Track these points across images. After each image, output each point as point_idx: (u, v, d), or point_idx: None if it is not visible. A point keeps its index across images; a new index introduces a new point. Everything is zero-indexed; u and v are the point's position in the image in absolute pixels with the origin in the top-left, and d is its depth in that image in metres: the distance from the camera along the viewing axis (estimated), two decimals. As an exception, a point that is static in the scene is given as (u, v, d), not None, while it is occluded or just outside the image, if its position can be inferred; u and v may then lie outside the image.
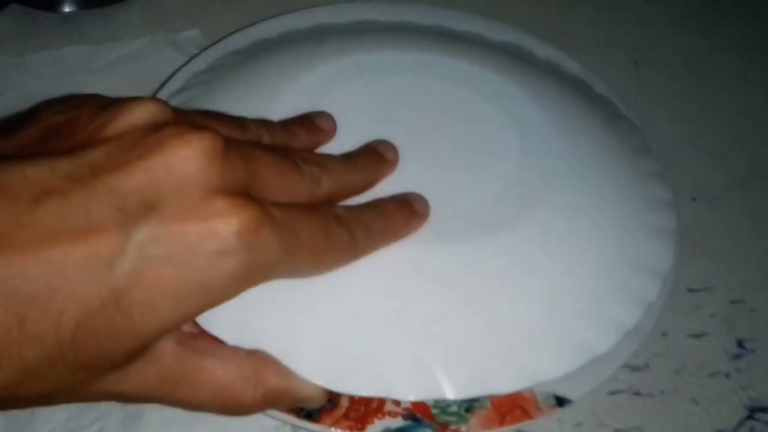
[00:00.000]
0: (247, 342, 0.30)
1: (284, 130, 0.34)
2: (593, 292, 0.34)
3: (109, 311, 0.24)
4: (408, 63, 0.41)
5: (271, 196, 0.28)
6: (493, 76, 0.41)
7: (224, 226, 0.25)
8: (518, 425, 0.33)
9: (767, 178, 0.47)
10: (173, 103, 0.42)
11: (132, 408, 0.36)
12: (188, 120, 0.28)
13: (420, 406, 0.33)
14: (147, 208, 0.25)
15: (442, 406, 0.33)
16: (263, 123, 0.34)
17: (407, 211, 0.33)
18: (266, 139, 0.32)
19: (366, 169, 0.34)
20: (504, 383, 0.31)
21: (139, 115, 0.27)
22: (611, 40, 0.54)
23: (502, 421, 0.33)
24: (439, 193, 0.35)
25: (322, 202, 0.31)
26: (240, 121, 0.32)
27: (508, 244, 0.34)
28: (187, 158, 0.25)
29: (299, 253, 0.28)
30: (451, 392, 0.31)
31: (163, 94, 0.43)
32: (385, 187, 0.35)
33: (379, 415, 0.33)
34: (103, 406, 0.36)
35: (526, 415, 0.33)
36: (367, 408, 0.33)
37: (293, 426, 0.34)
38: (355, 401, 0.33)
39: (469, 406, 0.33)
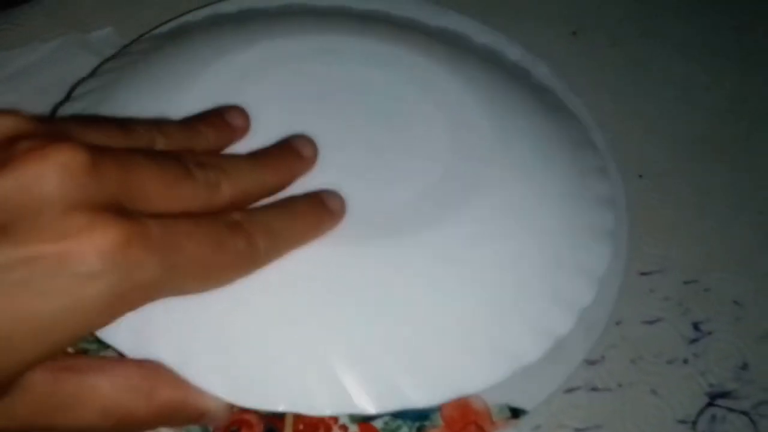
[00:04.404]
0: (144, 351, 0.28)
1: (186, 130, 0.32)
2: (522, 296, 0.32)
3: None
4: (332, 48, 0.39)
5: (155, 208, 0.26)
6: (423, 60, 0.39)
7: (86, 245, 0.23)
8: (473, 441, 0.32)
9: (715, 150, 0.46)
10: (78, 92, 0.40)
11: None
12: (50, 132, 0.25)
13: (369, 429, 0.32)
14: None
15: (392, 428, 0.32)
16: (159, 125, 0.31)
17: (319, 210, 0.31)
18: (161, 143, 0.30)
19: (277, 169, 0.32)
20: (422, 396, 0.29)
21: None
22: (547, 11, 0.52)
23: (455, 440, 0.31)
24: (360, 191, 0.32)
25: (224, 209, 0.28)
26: (127, 126, 0.29)
27: (428, 245, 0.32)
28: (42, 174, 0.23)
29: (186, 268, 0.26)
30: (364, 406, 0.29)
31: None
32: (302, 187, 0.32)
33: (327, 441, 0.31)
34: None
35: (481, 431, 0.32)
36: (314, 436, 0.31)
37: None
38: (296, 424, 0.32)
39: (421, 425, 0.32)
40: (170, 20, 0.45)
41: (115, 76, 0.41)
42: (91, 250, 0.23)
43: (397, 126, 0.36)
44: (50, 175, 0.23)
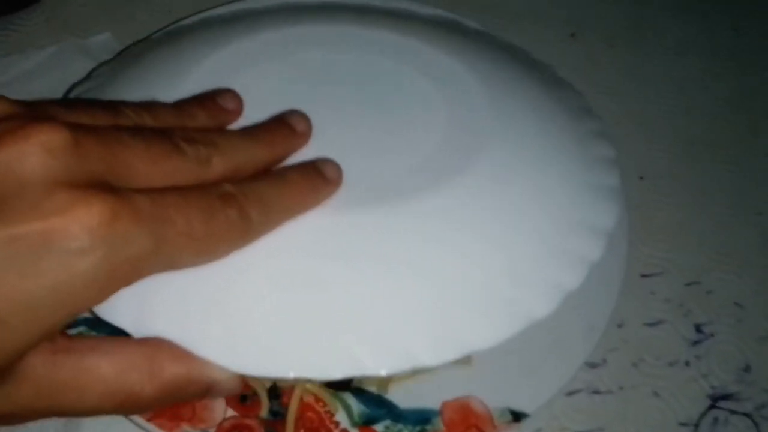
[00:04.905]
0: (148, 328, 0.27)
1: (177, 112, 0.31)
2: (530, 253, 0.31)
3: None
4: (324, 37, 0.39)
5: (143, 185, 0.26)
6: (415, 42, 0.38)
7: (72, 221, 0.23)
8: (475, 445, 0.31)
9: (715, 151, 0.46)
10: (74, 93, 0.40)
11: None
12: (32, 113, 0.25)
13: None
14: None
15: (393, 431, 0.32)
16: (147, 107, 0.30)
17: (314, 179, 0.30)
18: (150, 123, 0.29)
19: (270, 144, 0.31)
20: (433, 356, 0.28)
21: None
22: (546, 13, 0.53)
23: (457, 443, 0.31)
24: (359, 161, 0.32)
25: (216, 184, 0.28)
26: (114, 108, 0.29)
27: (432, 206, 0.31)
28: (25, 153, 0.23)
29: (177, 241, 0.25)
30: (373, 367, 0.28)
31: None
32: (297, 162, 0.32)
33: (327, 442, 0.31)
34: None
35: (482, 434, 0.31)
36: (313, 435, 0.31)
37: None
38: (297, 428, 0.32)
39: (422, 429, 0.32)
40: (168, 25, 0.45)
41: (110, 76, 0.40)
42: (76, 226, 0.23)
43: (393, 103, 0.35)
44: (31, 154, 0.23)
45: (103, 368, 0.26)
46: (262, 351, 0.28)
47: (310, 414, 0.32)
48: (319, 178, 0.30)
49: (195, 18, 0.46)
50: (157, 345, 0.27)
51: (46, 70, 0.47)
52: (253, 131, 0.31)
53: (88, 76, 0.43)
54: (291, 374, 0.27)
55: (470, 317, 0.29)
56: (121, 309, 0.27)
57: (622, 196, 0.38)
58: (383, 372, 0.28)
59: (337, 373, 0.28)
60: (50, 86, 0.45)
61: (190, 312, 0.28)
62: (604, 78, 0.49)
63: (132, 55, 0.43)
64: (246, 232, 0.28)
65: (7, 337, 0.23)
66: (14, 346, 0.23)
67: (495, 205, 0.32)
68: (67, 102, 0.29)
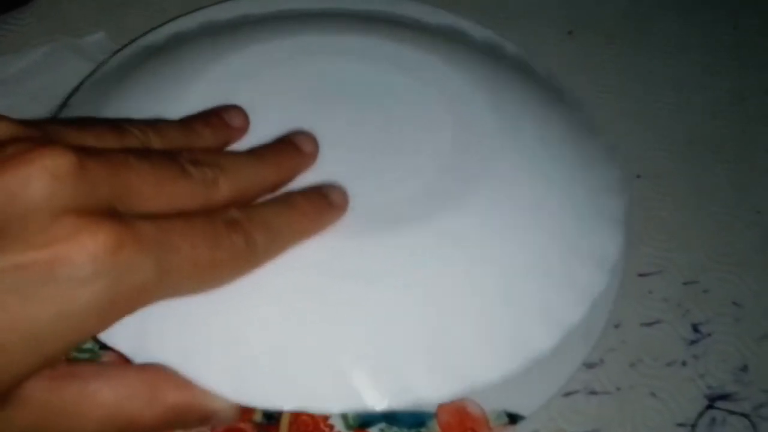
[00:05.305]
0: (148, 353, 0.28)
1: (183, 130, 0.31)
2: (534, 284, 0.31)
3: None
4: (331, 47, 0.38)
5: (149, 209, 0.26)
6: (422, 55, 0.38)
7: (76, 250, 0.23)
8: (470, 448, 0.31)
9: (713, 149, 0.46)
10: (73, 103, 0.40)
11: None
12: (37, 135, 0.25)
13: (364, 436, 0.31)
14: None
15: (389, 434, 0.31)
16: (154, 125, 0.30)
17: (320, 204, 0.30)
18: (156, 143, 0.29)
19: (277, 165, 0.31)
20: (433, 390, 0.28)
21: None
22: (543, 10, 0.52)
23: (452, 446, 0.31)
24: (364, 184, 0.32)
25: (223, 207, 0.28)
26: (120, 127, 0.29)
27: (434, 236, 0.31)
28: (29, 179, 0.23)
29: (181, 269, 0.25)
30: (373, 402, 0.28)
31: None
32: (304, 183, 0.32)
33: (321, 447, 0.31)
34: None
35: (478, 437, 0.31)
36: (308, 441, 0.31)
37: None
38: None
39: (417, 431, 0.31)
40: (162, 24, 0.45)
41: (110, 84, 0.40)
42: (80, 254, 0.23)
43: (399, 120, 0.35)
44: (36, 179, 0.23)
45: (104, 394, 0.26)
46: (261, 382, 0.28)
47: (304, 417, 0.32)
48: (325, 204, 0.31)
49: (191, 21, 0.45)
50: (158, 372, 0.27)
51: (40, 69, 0.46)
52: (259, 152, 0.31)
53: (87, 81, 0.42)
54: (289, 406, 0.28)
55: (471, 352, 0.29)
56: (122, 333, 0.27)
57: (624, 199, 0.38)
58: (381, 408, 0.28)
59: (336, 408, 0.28)
60: (44, 86, 0.45)
61: (190, 339, 0.28)
62: (602, 76, 0.49)
63: (131, 63, 0.42)
64: (251, 258, 0.28)
65: (8, 363, 0.23)
66: (15, 373, 0.23)
67: (499, 233, 0.32)
68: (72, 122, 0.28)
